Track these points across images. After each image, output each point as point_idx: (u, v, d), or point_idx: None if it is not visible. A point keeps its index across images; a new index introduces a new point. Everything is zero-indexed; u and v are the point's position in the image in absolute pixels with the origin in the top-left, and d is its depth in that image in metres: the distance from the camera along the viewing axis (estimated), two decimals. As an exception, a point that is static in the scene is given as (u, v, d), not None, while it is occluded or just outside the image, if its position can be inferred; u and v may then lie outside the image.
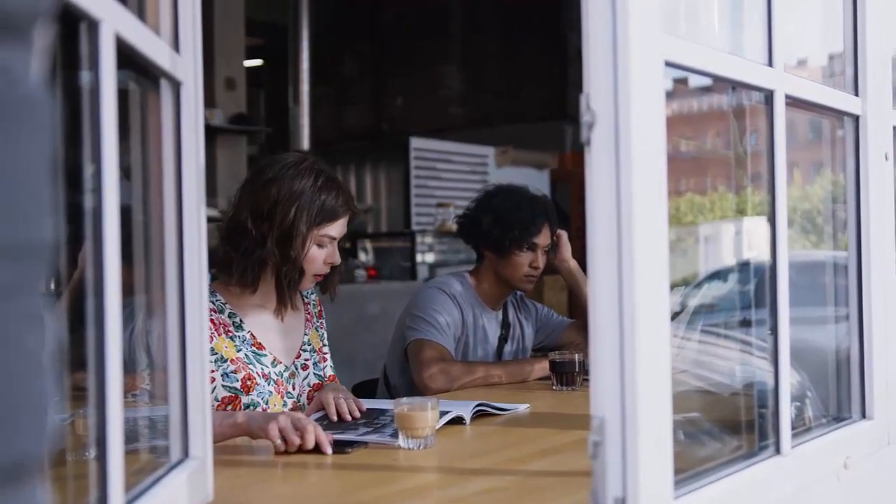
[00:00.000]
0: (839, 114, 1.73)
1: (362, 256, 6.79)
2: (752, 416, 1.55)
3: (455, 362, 2.66)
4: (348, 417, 2.00)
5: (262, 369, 2.12)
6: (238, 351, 2.10)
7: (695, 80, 1.38)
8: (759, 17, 1.44)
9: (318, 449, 1.74)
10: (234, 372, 2.08)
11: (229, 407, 2.05)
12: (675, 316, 1.63)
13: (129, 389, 1.13)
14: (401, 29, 8.94)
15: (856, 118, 1.73)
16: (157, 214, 1.27)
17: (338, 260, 2.17)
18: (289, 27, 6.89)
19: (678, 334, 1.65)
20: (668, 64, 1.16)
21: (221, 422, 1.81)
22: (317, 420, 1.93)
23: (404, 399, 1.85)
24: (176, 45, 1.27)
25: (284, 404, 2.15)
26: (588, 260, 1.10)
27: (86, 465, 1.18)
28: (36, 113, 0.64)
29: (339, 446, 1.77)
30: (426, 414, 1.77)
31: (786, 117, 1.45)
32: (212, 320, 2.08)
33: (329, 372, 2.31)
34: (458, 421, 2.02)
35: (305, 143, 6.85)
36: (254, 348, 2.13)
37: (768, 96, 1.44)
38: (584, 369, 2.49)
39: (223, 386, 2.06)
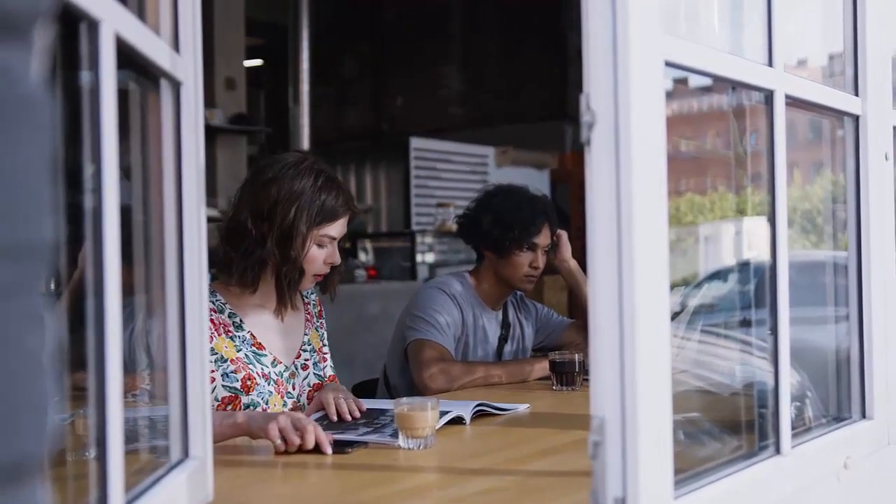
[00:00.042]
0: (839, 114, 1.73)
1: (362, 256, 6.79)
2: (752, 416, 1.55)
3: (455, 362, 2.66)
4: (348, 417, 2.00)
5: (262, 369, 2.12)
6: (238, 351, 2.11)
7: (695, 80, 1.38)
8: (759, 17, 1.44)
9: (318, 449, 1.74)
10: (234, 372, 2.08)
11: (229, 407, 2.05)
12: (675, 316, 1.63)
13: (129, 389, 1.12)
14: (401, 29, 8.94)
15: (856, 118, 1.73)
16: (157, 214, 1.27)
17: (338, 260, 2.17)
18: (289, 27, 6.89)
19: (678, 334, 1.65)
20: (668, 64, 1.16)
21: (221, 422, 1.81)
22: (317, 420, 1.93)
23: (404, 399, 1.85)
24: (176, 45, 1.27)
25: (284, 404, 2.15)
26: (588, 260, 1.10)
27: (86, 465, 1.18)
28: (36, 113, 0.64)
29: (339, 446, 1.77)
30: (426, 414, 1.77)
31: (786, 117, 1.45)
32: (212, 320, 2.08)
33: (329, 372, 2.31)
34: (458, 421, 2.02)
35: (305, 143, 6.85)
36: (254, 348, 2.13)
37: (768, 96, 1.44)
38: (584, 369, 2.49)
39: (223, 386, 2.06)
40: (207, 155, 1.39)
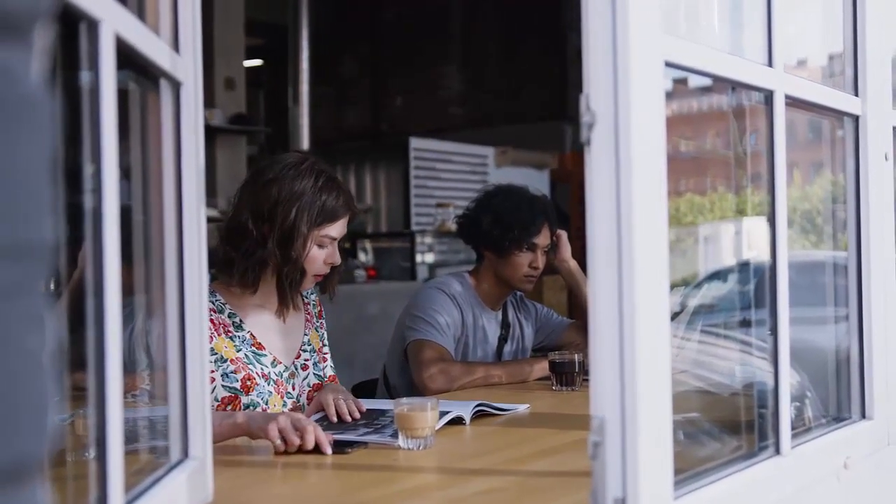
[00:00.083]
0: (839, 114, 1.73)
1: (362, 256, 6.79)
2: (752, 417, 1.55)
3: (455, 362, 2.66)
4: (348, 418, 2.00)
5: (262, 369, 2.12)
6: (238, 351, 2.10)
7: (695, 80, 1.38)
8: (759, 17, 1.44)
9: (317, 449, 1.74)
10: (234, 372, 2.08)
11: (229, 407, 2.05)
12: (675, 316, 1.63)
13: (128, 390, 1.13)
14: (400, 29, 8.95)
15: (856, 118, 1.73)
16: (156, 214, 1.27)
17: (338, 260, 2.17)
18: (288, 27, 6.89)
19: (678, 334, 1.65)
20: (668, 64, 1.16)
21: (221, 422, 1.81)
22: (317, 421, 1.93)
23: (404, 399, 1.85)
24: (176, 46, 1.27)
25: (284, 404, 2.15)
26: (588, 260, 1.10)
27: (86, 465, 1.18)
28: (36, 113, 0.64)
29: (339, 446, 1.77)
30: (426, 414, 1.77)
31: (785, 117, 1.45)
32: (211, 320, 2.08)
33: (329, 372, 2.31)
34: (458, 421, 2.02)
35: (305, 144, 6.85)
36: (253, 348, 2.13)
37: (768, 96, 1.44)
38: (584, 369, 2.49)
39: (223, 386, 2.06)
40: (207, 155, 1.39)
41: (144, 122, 1.28)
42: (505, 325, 2.92)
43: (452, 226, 5.22)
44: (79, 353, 0.94)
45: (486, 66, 8.67)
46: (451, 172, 7.46)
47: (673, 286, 1.20)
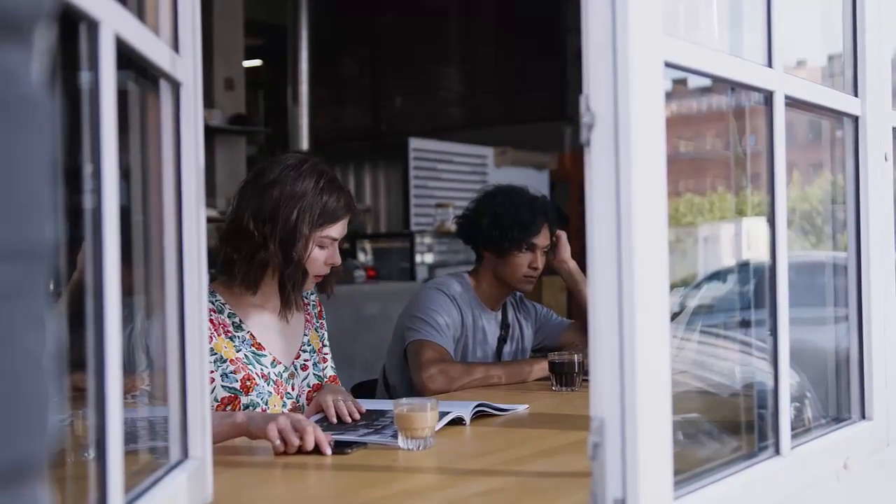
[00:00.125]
0: (838, 114, 1.73)
1: (361, 257, 6.79)
2: (752, 417, 1.55)
3: (454, 363, 2.65)
4: (348, 419, 2.00)
5: (262, 370, 2.12)
6: (237, 351, 2.10)
7: (694, 81, 1.38)
8: (759, 17, 1.44)
9: (317, 450, 1.74)
10: (234, 372, 2.08)
11: (228, 407, 2.05)
12: (674, 316, 1.63)
13: (128, 390, 1.12)
14: (400, 29, 8.94)
15: (855, 119, 1.73)
16: (156, 215, 1.27)
17: (338, 261, 2.17)
18: (288, 28, 6.89)
19: (678, 335, 1.65)
20: (668, 65, 1.16)
21: (221, 422, 1.81)
22: (316, 422, 1.93)
23: (404, 400, 1.84)
24: (175, 46, 1.27)
25: (284, 405, 2.14)
26: (588, 260, 1.10)
27: (85, 465, 1.18)
28: (37, 114, 0.64)
29: (339, 447, 1.77)
30: (426, 415, 1.77)
31: (785, 118, 1.45)
32: (211, 320, 2.08)
33: (330, 372, 2.31)
34: (457, 421, 2.02)
35: (304, 144, 6.84)
36: (253, 349, 2.13)
37: (768, 97, 1.44)
38: (584, 370, 2.49)
39: (222, 386, 2.06)
40: (206, 155, 1.39)
41: (144, 122, 1.28)
42: (504, 325, 2.92)
43: (452, 226, 5.22)
44: (79, 354, 0.94)
45: (486, 67, 8.67)
46: (451, 173, 7.45)
47: (673, 286, 1.20)
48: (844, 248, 1.76)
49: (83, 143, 0.93)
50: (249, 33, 7.23)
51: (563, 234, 2.90)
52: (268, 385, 2.12)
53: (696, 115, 1.65)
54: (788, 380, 1.44)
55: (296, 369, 2.21)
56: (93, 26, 0.92)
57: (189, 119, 1.29)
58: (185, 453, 1.29)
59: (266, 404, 2.10)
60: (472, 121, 8.55)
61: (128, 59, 1.06)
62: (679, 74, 1.25)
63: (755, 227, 1.60)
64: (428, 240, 6.76)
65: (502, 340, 2.90)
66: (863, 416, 1.73)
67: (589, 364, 1.19)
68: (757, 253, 1.63)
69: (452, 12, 8.78)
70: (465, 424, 2.02)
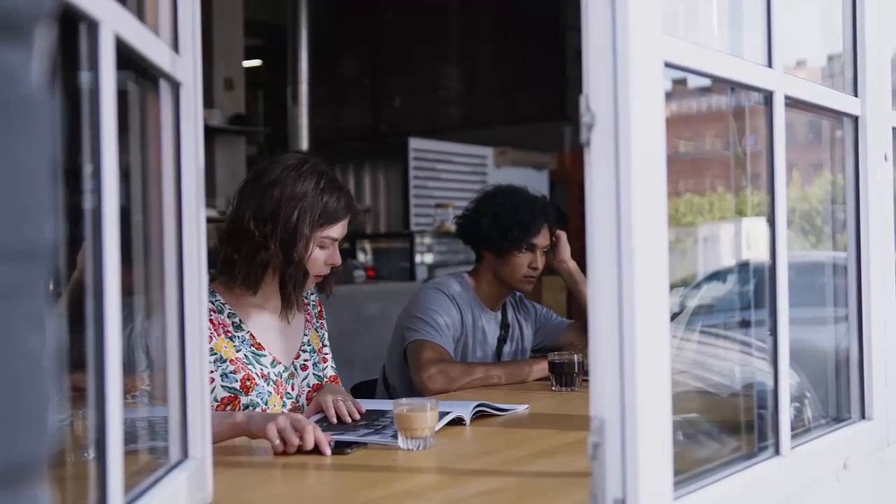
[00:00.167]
0: (838, 115, 1.73)
1: (361, 257, 6.79)
2: (752, 417, 1.55)
3: (454, 363, 2.65)
4: (348, 420, 2.00)
5: (262, 370, 2.12)
6: (237, 351, 2.10)
7: (694, 81, 1.38)
8: (759, 17, 1.44)
9: (317, 450, 1.74)
10: (234, 372, 2.08)
11: (228, 407, 2.05)
12: (674, 317, 1.63)
13: (128, 390, 1.12)
14: (399, 29, 8.94)
15: (855, 119, 1.73)
16: (156, 215, 1.27)
17: (338, 261, 2.17)
18: (288, 28, 6.89)
19: (678, 335, 1.65)
20: (668, 65, 1.16)
21: (221, 422, 1.81)
22: (316, 422, 1.93)
23: (404, 400, 1.84)
24: (175, 46, 1.27)
25: (283, 405, 2.14)
26: (588, 260, 1.10)
27: (85, 466, 1.18)
28: (37, 114, 0.64)
29: (339, 447, 1.77)
30: (426, 415, 1.77)
31: (785, 118, 1.45)
32: (211, 320, 2.08)
33: (330, 372, 2.31)
34: (457, 422, 2.02)
35: (304, 144, 6.84)
36: (253, 349, 2.13)
37: (767, 97, 1.44)
38: (584, 370, 2.49)
39: (222, 386, 2.06)
40: (206, 155, 1.39)
41: (144, 122, 1.28)
42: (504, 325, 2.92)
43: (452, 226, 5.22)
44: (79, 354, 0.94)
45: (486, 67, 8.67)
46: (451, 173, 7.45)
47: (672, 286, 1.20)
48: (844, 248, 1.76)
49: (83, 143, 0.93)
50: (249, 33, 7.23)
51: (562, 234, 2.90)
52: (267, 385, 2.12)
53: (695, 115, 1.65)
54: (788, 380, 1.44)
55: (296, 369, 2.21)
56: (93, 26, 0.92)
57: (189, 119, 1.29)
58: (184, 453, 1.29)
59: (266, 404, 2.10)
60: (471, 120, 8.55)
61: (128, 59, 1.06)
62: (679, 74, 1.25)
63: (755, 227, 1.60)
64: (427, 240, 6.76)
65: (502, 340, 2.90)
66: (863, 416, 1.73)
67: (589, 364, 1.19)
68: (757, 253, 1.64)
69: (452, 9, 8.78)
70: (465, 424, 2.02)
